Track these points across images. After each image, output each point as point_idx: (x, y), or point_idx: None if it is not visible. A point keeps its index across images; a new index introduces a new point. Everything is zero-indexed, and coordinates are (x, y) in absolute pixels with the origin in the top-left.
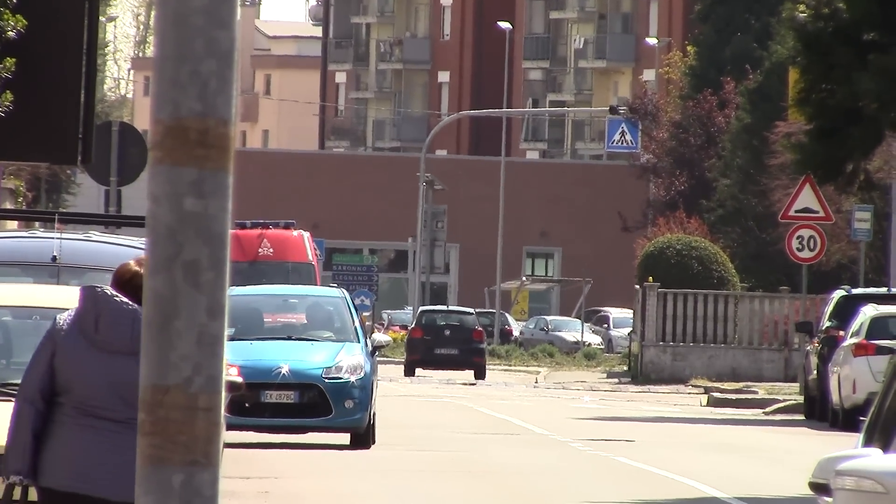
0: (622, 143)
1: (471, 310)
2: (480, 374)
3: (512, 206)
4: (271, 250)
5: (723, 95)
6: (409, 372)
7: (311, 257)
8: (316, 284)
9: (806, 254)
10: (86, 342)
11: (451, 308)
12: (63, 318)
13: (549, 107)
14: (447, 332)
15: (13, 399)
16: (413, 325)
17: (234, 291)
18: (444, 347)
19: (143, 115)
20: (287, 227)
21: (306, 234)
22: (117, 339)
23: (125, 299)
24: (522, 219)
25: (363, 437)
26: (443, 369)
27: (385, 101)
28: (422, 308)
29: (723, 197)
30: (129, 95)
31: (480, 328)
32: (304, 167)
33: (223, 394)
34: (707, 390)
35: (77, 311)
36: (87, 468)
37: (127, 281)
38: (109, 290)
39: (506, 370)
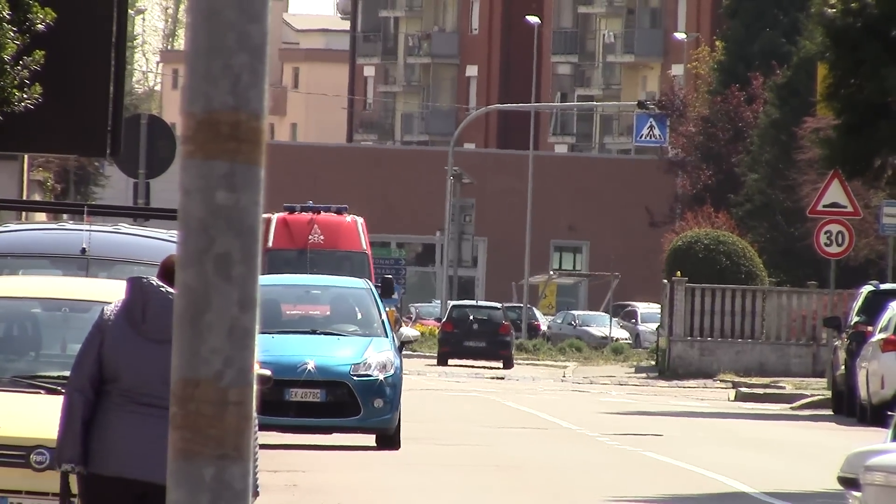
0: (650, 138)
1: (498, 305)
2: (508, 364)
3: (540, 200)
4: (322, 237)
5: (751, 90)
6: (442, 362)
7: (364, 246)
8: (370, 275)
9: (834, 249)
10: (133, 331)
11: (479, 303)
12: (110, 309)
13: (577, 101)
14: (475, 326)
15: (43, 391)
16: (444, 319)
17: None
18: (473, 340)
19: (172, 108)
20: (339, 212)
21: (360, 220)
22: (163, 327)
23: (170, 289)
24: (550, 213)
25: (391, 439)
26: (472, 360)
27: (413, 94)
28: (452, 303)
29: (751, 192)
30: (158, 88)
31: (507, 322)
32: (332, 161)
33: (254, 387)
34: (735, 385)
35: (124, 302)
36: (134, 453)
37: (173, 271)
38: (155, 281)
39: (533, 365)
